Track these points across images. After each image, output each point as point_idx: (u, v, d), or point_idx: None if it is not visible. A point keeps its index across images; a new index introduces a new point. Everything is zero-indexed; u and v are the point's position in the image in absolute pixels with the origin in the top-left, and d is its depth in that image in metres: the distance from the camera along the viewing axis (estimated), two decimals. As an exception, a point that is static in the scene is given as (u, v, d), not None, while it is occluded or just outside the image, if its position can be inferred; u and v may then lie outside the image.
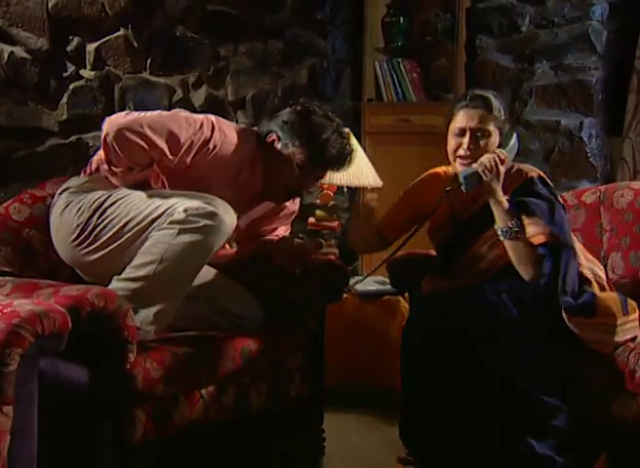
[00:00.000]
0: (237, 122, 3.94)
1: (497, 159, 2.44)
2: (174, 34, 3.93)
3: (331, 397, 2.84)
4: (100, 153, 2.46)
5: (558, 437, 2.24)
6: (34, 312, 1.76)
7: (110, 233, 2.33)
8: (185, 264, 2.28)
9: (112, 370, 2.05)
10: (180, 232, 2.24)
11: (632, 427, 2.25)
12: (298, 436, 2.69)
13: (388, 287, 3.06)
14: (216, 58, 4.04)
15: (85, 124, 3.77)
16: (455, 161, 2.57)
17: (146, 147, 2.32)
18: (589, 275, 2.46)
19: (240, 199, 2.56)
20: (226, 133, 2.49)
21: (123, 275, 2.27)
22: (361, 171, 3.35)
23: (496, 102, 2.54)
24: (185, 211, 2.24)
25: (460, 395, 2.30)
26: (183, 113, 2.47)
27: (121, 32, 3.81)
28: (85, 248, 2.37)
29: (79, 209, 2.39)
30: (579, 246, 2.58)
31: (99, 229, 2.35)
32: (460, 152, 2.52)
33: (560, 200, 2.57)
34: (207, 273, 2.61)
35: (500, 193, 2.45)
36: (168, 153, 2.36)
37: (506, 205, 2.44)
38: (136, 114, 2.38)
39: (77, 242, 2.38)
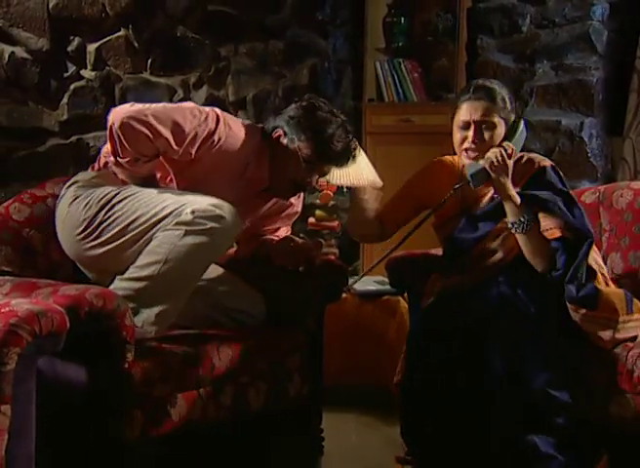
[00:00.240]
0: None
1: (503, 153, 2.41)
2: (174, 34, 3.93)
3: (330, 397, 2.84)
4: (108, 146, 2.48)
5: (560, 435, 2.24)
6: (32, 311, 1.76)
7: (116, 230, 2.34)
8: (190, 266, 2.28)
9: (110, 370, 2.06)
10: (187, 234, 2.24)
11: (631, 427, 2.25)
12: (297, 436, 2.69)
13: (388, 287, 3.06)
14: (216, 59, 4.05)
15: (85, 124, 3.77)
16: (461, 154, 2.56)
17: (151, 136, 2.34)
18: (595, 266, 2.44)
19: (246, 195, 2.59)
20: (231, 126, 2.51)
21: (126, 274, 2.28)
22: (361, 171, 3.35)
23: (500, 93, 2.51)
24: (193, 212, 2.25)
25: (462, 394, 2.30)
26: (189, 105, 2.49)
27: (122, 32, 3.81)
28: (89, 242, 2.38)
29: (87, 203, 2.40)
30: None
31: (105, 225, 2.35)
32: (466, 145, 2.50)
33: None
34: (210, 271, 2.61)
35: (509, 187, 2.42)
36: (172, 143, 2.38)
37: (518, 199, 2.41)
38: (141, 105, 2.40)
39: (82, 236, 2.39)
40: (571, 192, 2.51)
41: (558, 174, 2.52)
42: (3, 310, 1.76)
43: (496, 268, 2.49)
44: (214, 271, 2.65)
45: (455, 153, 2.63)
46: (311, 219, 3.53)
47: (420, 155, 4.07)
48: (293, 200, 2.81)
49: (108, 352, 2.06)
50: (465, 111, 2.50)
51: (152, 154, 2.43)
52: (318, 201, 3.52)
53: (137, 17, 3.82)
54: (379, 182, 3.43)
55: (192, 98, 3.97)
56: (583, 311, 2.30)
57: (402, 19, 4.30)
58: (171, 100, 3.93)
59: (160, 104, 2.45)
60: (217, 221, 2.25)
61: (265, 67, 4.15)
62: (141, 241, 2.31)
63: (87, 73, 3.79)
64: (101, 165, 2.57)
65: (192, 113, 2.43)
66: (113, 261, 2.34)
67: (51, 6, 3.65)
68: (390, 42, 4.34)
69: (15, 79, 3.61)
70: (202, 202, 2.29)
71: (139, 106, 2.39)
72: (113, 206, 2.37)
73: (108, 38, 3.80)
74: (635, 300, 2.37)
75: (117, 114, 2.36)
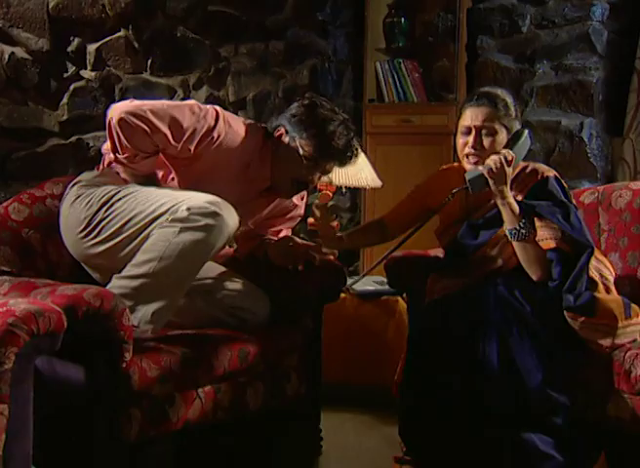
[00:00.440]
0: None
1: (502, 160, 2.40)
2: (174, 35, 3.94)
3: (329, 396, 2.85)
4: (108, 143, 2.49)
5: (559, 435, 2.24)
6: (30, 311, 1.76)
7: (114, 227, 2.35)
8: (185, 263, 2.28)
9: (109, 370, 2.06)
10: (182, 230, 2.25)
11: (628, 427, 2.25)
12: (295, 435, 2.70)
13: (387, 287, 3.06)
14: (216, 59, 4.05)
15: (85, 124, 3.77)
16: (463, 159, 2.56)
17: (148, 131, 2.36)
18: (596, 276, 2.45)
19: (248, 194, 2.60)
20: (231, 124, 2.52)
21: (123, 273, 2.29)
22: (360, 171, 3.36)
23: (504, 100, 2.51)
24: (188, 209, 2.25)
25: (460, 394, 2.30)
26: (189, 102, 2.51)
27: (122, 33, 3.81)
28: (90, 240, 2.39)
29: (88, 201, 2.42)
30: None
31: (104, 223, 2.37)
32: (467, 150, 2.50)
33: (573, 201, 2.53)
34: (211, 270, 2.63)
35: (507, 194, 2.42)
36: (170, 138, 2.39)
37: (516, 207, 2.41)
38: (140, 101, 2.42)
39: (83, 234, 2.40)
40: (571, 201, 2.50)
41: (561, 184, 2.51)
42: (1, 310, 1.76)
43: (496, 274, 2.49)
44: (217, 270, 2.67)
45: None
46: (310, 219, 3.52)
47: (420, 155, 4.09)
48: (297, 202, 2.82)
49: (106, 352, 2.06)
50: (467, 117, 2.51)
51: (151, 150, 2.44)
52: (317, 201, 3.51)
53: (137, 17, 3.82)
54: (378, 182, 3.45)
55: (192, 99, 3.96)
56: (582, 319, 2.30)
57: (402, 19, 4.31)
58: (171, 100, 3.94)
59: (160, 101, 2.48)
60: (212, 218, 2.26)
61: (266, 68, 4.16)
62: (139, 238, 2.31)
63: (87, 73, 3.79)
64: (106, 165, 2.58)
65: (191, 109, 2.44)
66: (113, 259, 2.35)
67: (51, 6, 3.65)
68: (390, 42, 4.34)
69: (15, 79, 3.61)
70: (198, 199, 2.30)
71: (137, 102, 2.41)
72: (113, 204, 2.38)
73: (108, 38, 3.80)
74: (633, 305, 2.37)
75: (116, 110, 2.39)
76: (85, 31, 3.75)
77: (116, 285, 2.26)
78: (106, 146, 2.53)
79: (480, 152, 2.49)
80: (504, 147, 2.47)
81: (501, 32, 4.20)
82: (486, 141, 2.49)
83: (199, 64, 4.02)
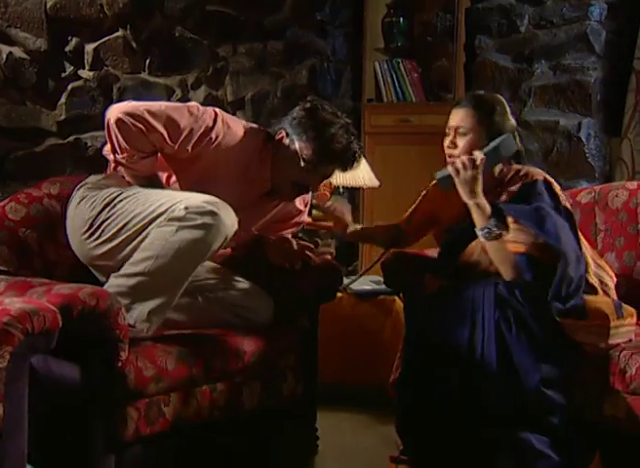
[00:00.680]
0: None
1: (465, 161, 2.40)
2: (172, 35, 3.95)
3: (325, 396, 2.84)
4: (109, 145, 2.51)
5: (554, 434, 2.24)
6: (24, 310, 1.76)
7: (115, 228, 2.36)
8: (182, 261, 2.28)
9: (104, 369, 2.06)
10: (179, 229, 2.25)
11: (624, 426, 2.25)
12: (291, 435, 2.70)
13: (384, 286, 3.06)
14: (215, 59, 4.06)
15: (83, 124, 3.78)
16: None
17: (145, 130, 2.37)
18: (595, 282, 2.45)
19: (249, 196, 2.60)
20: (230, 125, 2.53)
21: (120, 271, 2.29)
22: (358, 171, 3.35)
23: (488, 102, 2.52)
24: (186, 208, 2.26)
25: (456, 394, 2.30)
26: (189, 103, 2.52)
27: (120, 33, 3.82)
28: (93, 241, 2.40)
29: (92, 203, 2.43)
30: (589, 251, 2.55)
31: (106, 224, 2.38)
32: (446, 151, 2.52)
33: (567, 205, 2.50)
34: (214, 270, 2.64)
35: (476, 195, 2.40)
36: (167, 138, 2.41)
37: (486, 207, 2.39)
38: (138, 102, 2.44)
39: (87, 235, 2.41)
40: (558, 207, 2.45)
41: (549, 189, 2.48)
42: (-4, 309, 1.77)
43: (487, 276, 2.48)
44: (219, 271, 2.67)
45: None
46: (308, 219, 3.53)
47: (418, 155, 4.10)
48: (300, 207, 2.82)
49: (102, 351, 2.06)
50: (450, 118, 2.54)
51: (148, 150, 2.45)
52: (314, 201, 3.52)
53: (135, 17, 3.83)
54: (375, 182, 3.45)
55: (191, 99, 3.98)
56: (574, 321, 2.29)
57: (401, 19, 4.32)
58: (169, 101, 3.93)
59: (159, 102, 2.49)
60: (209, 217, 2.26)
61: (264, 67, 4.16)
62: (139, 238, 2.32)
63: (85, 73, 3.80)
64: (112, 169, 2.60)
65: (189, 110, 2.46)
66: (114, 260, 2.36)
67: (48, 6, 3.66)
68: (389, 42, 4.35)
69: (13, 79, 3.62)
70: (196, 199, 2.31)
71: (135, 103, 2.43)
72: (115, 205, 2.39)
73: (106, 38, 3.81)
74: (625, 305, 2.37)
75: (114, 111, 2.41)
76: (83, 31, 3.76)
77: (113, 283, 2.26)
78: (107, 148, 2.55)
79: (454, 152, 2.50)
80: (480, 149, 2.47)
81: (500, 32, 4.20)
82: (460, 142, 2.49)
83: (197, 64, 4.03)
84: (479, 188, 2.42)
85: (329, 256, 3.17)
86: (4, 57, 3.59)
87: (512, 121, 2.55)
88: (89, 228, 2.41)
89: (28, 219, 2.53)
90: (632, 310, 2.38)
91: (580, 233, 2.51)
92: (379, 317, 3.37)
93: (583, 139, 4.06)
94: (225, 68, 4.09)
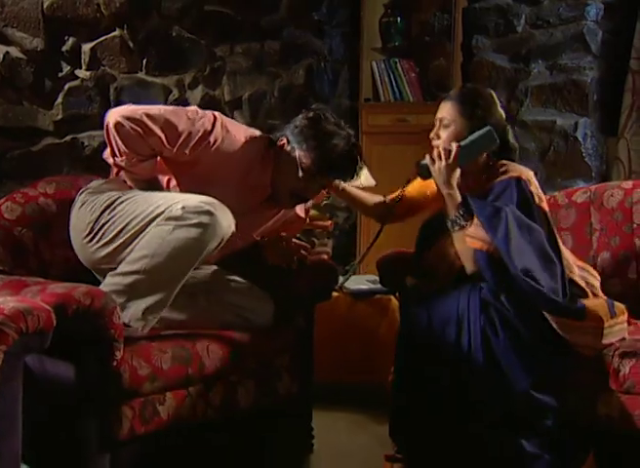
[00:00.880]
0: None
1: (441, 151, 2.41)
2: (170, 34, 3.94)
3: (321, 395, 2.85)
4: (108, 149, 2.52)
5: (546, 435, 2.24)
6: (18, 309, 1.76)
7: (116, 230, 2.37)
8: (178, 260, 2.28)
9: (99, 368, 2.06)
10: (175, 228, 2.26)
11: (618, 426, 2.25)
12: (286, 434, 2.70)
13: (380, 286, 3.06)
14: (212, 59, 4.06)
15: (80, 124, 3.77)
16: None
17: (143, 134, 2.38)
18: (583, 284, 2.44)
19: (249, 202, 2.60)
20: (230, 129, 2.53)
21: (117, 270, 2.30)
22: (355, 170, 3.35)
23: (475, 95, 2.51)
24: (183, 208, 2.27)
25: (447, 394, 2.30)
26: (189, 107, 2.54)
27: (117, 32, 3.81)
28: (94, 245, 2.41)
29: (92, 207, 2.45)
30: (568, 254, 2.52)
31: (106, 226, 2.39)
32: (432, 142, 2.53)
33: (542, 206, 2.45)
34: (214, 271, 2.65)
35: (448, 185, 2.40)
36: (165, 141, 2.42)
37: (457, 197, 2.39)
38: (137, 106, 2.45)
39: (88, 239, 2.43)
40: (530, 207, 2.39)
41: (523, 187, 2.42)
42: (-11, 308, 1.77)
43: (453, 273, 2.47)
44: (219, 271, 2.67)
45: None
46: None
47: (416, 155, 4.05)
48: (301, 214, 2.84)
49: (97, 350, 2.06)
50: (438, 109, 2.55)
51: (147, 153, 2.46)
52: (312, 200, 3.52)
53: (132, 16, 3.82)
54: (372, 182, 3.45)
55: (188, 99, 3.98)
56: (571, 322, 2.28)
57: (398, 18, 4.32)
58: (166, 100, 3.95)
59: (157, 106, 2.50)
60: (205, 216, 2.27)
61: (261, 67, 4.16)
62: (137, 240, 2.33)
63: (82, 73, 3.79)
64: (114, 173, 2.62)
65: (187, 114, 2.47)
66: (115, 262, 2.36)
67: (45, 6, 3.65)
68: (386, 42, 4.35)
69: (9, 79, 3.61)
70: (194, 199, 2.32)
71: (134, 106, 2.44)
72: (115, 208, 2.40)
73: (103, 38, 3.80)
74: (617, 303, 2.37)
75: (113, 114, 2.43)
76: (80, 31, 3.75)
77: (109, 282, 2.27)
78: (107, 152, 2.55)
79: (437, 143, 2.50)
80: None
81: (497, 32, 4.21)
82: (442, 133, 2.51)
83: (194, 64, 4.02)
84: (453, 179, 2.41)
85: (325, 256, 3.18)
86: (1, 56, 3.58)
87: (500, 115, 2.53)
88: (90, 232, 2.42)
89: (24, 219, 2.54)
90: (622, 307, 2.39)
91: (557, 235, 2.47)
92: (374, 316, 3.37)
93: (580, 139, 4.07)
94: (223, 68, 4.09)
